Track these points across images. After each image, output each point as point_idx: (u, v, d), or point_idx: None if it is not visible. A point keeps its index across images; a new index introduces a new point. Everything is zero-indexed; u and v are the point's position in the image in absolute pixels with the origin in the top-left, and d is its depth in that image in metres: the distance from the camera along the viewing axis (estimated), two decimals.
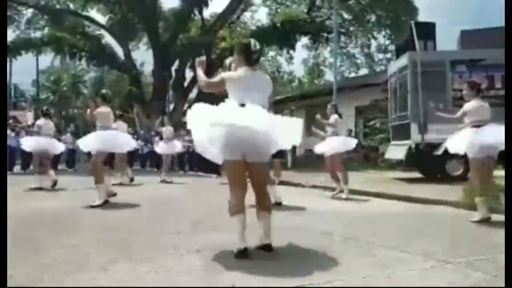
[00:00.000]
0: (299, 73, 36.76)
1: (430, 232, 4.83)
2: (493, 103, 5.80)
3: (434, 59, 10.59)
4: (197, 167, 16.38)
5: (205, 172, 14.68)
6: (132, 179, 10.68)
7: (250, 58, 3.75)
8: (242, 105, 3.54)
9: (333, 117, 8.11)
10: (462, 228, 5.11)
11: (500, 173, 5.58)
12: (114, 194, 6.96)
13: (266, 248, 3.58)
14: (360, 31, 25.39)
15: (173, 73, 25.48)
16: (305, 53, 29.04)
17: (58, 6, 24.92)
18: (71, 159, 17.97)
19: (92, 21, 25.32)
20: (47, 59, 32.52)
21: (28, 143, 9.69)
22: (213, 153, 3.73)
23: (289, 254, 3.60)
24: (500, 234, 3.78)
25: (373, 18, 24.93)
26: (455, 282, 2.91)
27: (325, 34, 24.36)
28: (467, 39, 11.21)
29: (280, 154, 10.67)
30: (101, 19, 25.58)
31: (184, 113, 24.23)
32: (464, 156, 5.93)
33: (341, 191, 8.00)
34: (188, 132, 19.23)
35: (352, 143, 8.32)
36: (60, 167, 16.38)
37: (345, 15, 25.07)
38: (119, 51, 25.54)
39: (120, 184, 10.01)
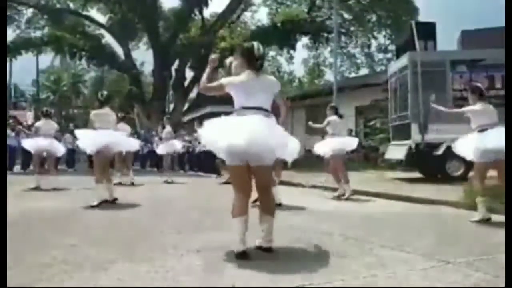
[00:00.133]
0: (299, 73, 36.84)
1: (431, 232, 4.82)
2: (493, 103, 5.79)
3: (435, 59, 10.58)
4: (197, 167, 16.39)
5: (205, 172, 14.69)
6: (132, 183, 10.61)
7: (253, 63, 3.67)
8: (245, 108, 3.56)
9: (327, 119, 8.10)
10: (462, 228, 5.11)
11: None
12: (115, 200, 6.90)
13: (267, 250, 3.58)
14: (360, 31, 25.38)
15: (173, 73, 25.48)
16: (305, 53, 29.08)
17: (58, 6, 24.91)
18: (71, 159, 17.97)
19: (92, 20, 25.29)
20: (47, 58, 32.60)
21: (28, 144, 9.70)
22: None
23: (289, 254, 3.60)
24: (500, 234, 3.78)
25: (373, 18, 24.92)
26: (456, 282, 2.91)
27: (325, 34, 24.35)
28: (468, 39, 11.22)
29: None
30: (101, 18, 25.60)
31: (184, 113, 24.36)
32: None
33: (343, 194, 7.98)
34: (188, 132, 19.31)
35: (353, 143, 8.31)
36: (60, 167, 16.38)
37: (346, 15, 25.05)
38: (119, 50, 25.54)
39: (120, 183, 10.00)
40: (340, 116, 8.26)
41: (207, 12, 25.98)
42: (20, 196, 7.46)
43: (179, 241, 4.01)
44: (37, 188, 8.94)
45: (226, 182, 10.23)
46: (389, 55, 23.96)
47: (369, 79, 19.19)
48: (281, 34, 23.20)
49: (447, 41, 12.96)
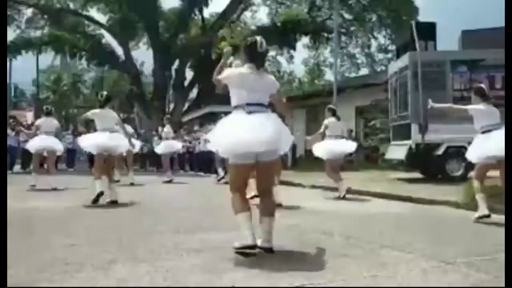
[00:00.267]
0: (300, 73, 36.80)
1: (431, 232, 4.82)
2: (493, 103, 5.79)
3: (435, 59, 10.58)
4: (197, 167, 16.39)
5: (205, 172, 14.69)
6: (132, 183, 10.60)
7: (255, 58, 3.68)
8: (248, 104, 3.55)
9: (325, 122, 8.15)
10: (462, 228, 5.11)
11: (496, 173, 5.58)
12: (114, 202, 6.90)
13: (267, 250, 3.57)
14: (360, 31, 25.36)
15: (173, 73, 25.48)
16: (305, 53, 29.05)
17: (58, 6, 24.90)
18: (71, 159, 17.98)
19: (92, 20, 25.28)
20: (47, 58, 32.47)
21: (29, 144, 9.70)
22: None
23: (289, 254, 3.60)
24: (500, 234, 3.77)
25: (373, 18, 24.90)
26: (456, 282, 2.90)
27: (325, 34, 24.36)
28: (468, 39, 11.19)
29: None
30: (101, 18, 25.58)
31: (184, 113, 24.36)
32: (465, 157, 5.94)
33: (347, 191, 8.05)
34: (188, 132, 19.32)
35: (351, 146, 8.34)
36: (60, 166, 16.39)
37: (346, 15, 25.04)
38: (119, 50, 25.53)
39: (117, 181, 10.00)
40: (338, 118, 8.29)
41: (207, 12, 26.06)
42: (20, 196, 7.46)
43: (179, 241, 4.00)
44: (34, 187, 8.94)
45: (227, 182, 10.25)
46: (389, 55, 23.93)
47: (370, 79, 19.20)
48: (281, 34, 23.21)
49: (447, 41, 12.91)
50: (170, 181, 11.63)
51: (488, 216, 5.28)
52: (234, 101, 3.66)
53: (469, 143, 5.86)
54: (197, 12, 25.04)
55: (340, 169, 8.42)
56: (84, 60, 25.64)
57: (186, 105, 26.75)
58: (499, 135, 5.20)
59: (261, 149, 3.46)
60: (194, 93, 27.29)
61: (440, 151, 10.06)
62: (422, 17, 22.18)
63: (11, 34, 23.99)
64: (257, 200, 3.91)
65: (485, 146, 5.37)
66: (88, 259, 3.32)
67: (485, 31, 10.97)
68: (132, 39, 26.56)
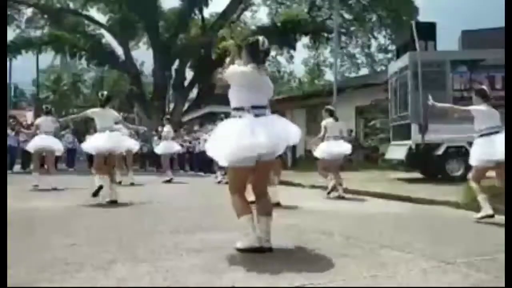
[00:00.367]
0: (300, 73, 36.77)
1: (431, 232, 4.82)
2: (494, 104, 5.79)
3: (435, 59, 10.58)
4: (197, 167, 16.39)
5: (205, 172, 14.69)
6: (132, 183, 10.61)
7: (257, 57, 3.68)
8: (257, 107, 3.56)
9: (323, 124, 8.23)
10: (462, 228, 5.12)
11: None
12: (114, 201, 6.91)
13: (266, 250, 3.58)
14: (360, 31, 25.34)
15: (173, 73, 25.47)
16: (305, 53, 29.03)
17: (58, 5, 24.88)
18: (71, 159, 17.99)
19: (92, 20, 25.27)
20: (47, 58, 32.45)
21: (29, 145, 9.71)
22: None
23: (289, 254, 3.60)
24: (500, 234, 3.78)
25: (373, 18, 24.89)
26: (456, 282, 2.91)
27: (325, 34, 24.34)
28: (468, 39, 11.19)
29: (279, 154, 10.66)
30: (101, 18, 25.55)
31: (184, 113, 24.35)
32: (465, 157, 5.95)
33: (343, 190, 8.12)
34: (188, 132, 19.32)
35: (347, 149, 8.43)
36: (59, 166, 16.39)
37: (346, 15, 25.03)
38: (119, 50, 25.51)
39: (119, 183, 10.00)
40: (336, 118, 8.33)
41: (207, 12, 26.02)
42: (20, 196, 7.46)
43: (179, 241, 4.00)
44: (36, 188, 8.95)
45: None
46: (389, 55, 23.91)
47: (370, 79, 19.19)
48: (281, 34, 23.20)
49: (447, 41, 12.91)
50: (170, 181, 11.63)
51: (492, 216, 5.27)
52: (236, 102, 3.64)
53: (469, 143, 5.87)
54: (197, 12, 25.02)
55: (339, 169, 8.44)
56: (84, 60, 25.62)
57: (186, 105, 26.73)
58: (499, 139, 5.24)
59: (263, 151, 3.48)
60: (194, 93, 27.27)
61: (440, 151, 10.06)
62: (422, 17, 22.18)
63: (11, 33, 24.01)
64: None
65: (485, 151, 5.38)
66: (88, 259, 3.32)
67: (485, 31, 10.97)
68: (132, 39, 26.55)
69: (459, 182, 8.18)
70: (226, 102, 3.85)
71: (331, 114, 8.36)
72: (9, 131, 13.97)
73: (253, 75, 3.63)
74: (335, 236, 4.37)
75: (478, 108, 5.60)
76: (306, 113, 21.65)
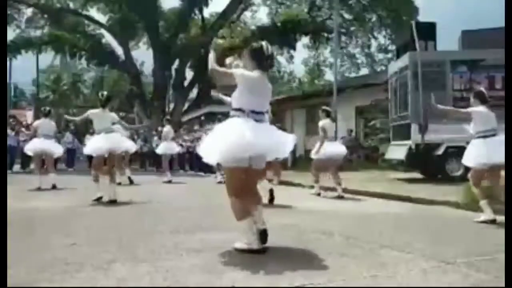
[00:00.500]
0: (300, 73, 36.77)
1: (431, 232, 4.83)
2: (493, 104, 5.79)
3: (435, 59, 10.58)
4: (197, 167, 16.38)
5: (205, 172, 14.69)
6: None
7: (263, 63, 3.66)
8: (256, 112, 3.57)
9: (321, 125, 8.32)
10: (462, 228, 5.12)
11: (500, 173, 5.57)
12: (113, 201, 6.92)
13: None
14: (360, 31, 25.34)
15: (173, 73, 25.46)
16: (305, 53, 29.02)
17: (58, 5, 24.87)
18: (71, 159, 17.99)
19: (92, 20, 25.26)
20: (47, 58, 32.45)
21: (28, 147, 9.70)
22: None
23: (289, 254, 3.60)
24: (500, 234, 3.78)
25: (373, 18, 24.88)
26: (456, 282, 2.91)
27: (325, 34, 24.34)
28: (468, 39, 11.19)
29: None
30: (101, 18, 25.54)
31: (184, 113, 24.30)
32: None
33: (342, 190, 8.21)
34: (188, 132, 19.31)
35: (343, 151, 8.59)
36: (59, 166, 16.38)
37: (346, 15, 25.03)
38: (119, 50, 25.50)
39: (119, 184, 10.00)
40: (333, 119, 8.41)
41: (207, 12, 26.01)
42: (20, 196, 7.46)
43: (179, 241, 4.00)
44: (38, 188, 8.94)
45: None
46: (389, 55, 23.91)
47: (370, 79, 19.18)
48: (281, 34, 23.21)
49: (447, 41, 12.91)
50: (169, 181, 11.63)
51: (494, 221, 5.26)
52: (237, 103, 3.63)
53: (469, 143, 5.86)
54: (197, 12, 25.02)
55: (338, 170, 8.52)
56: (84, 59, 25.61)
57: (186, 105, 26.73)
58: (496, 142, 5.29)
59: (254, 153, 3.52)
60: (194, 93, 27.26)
61: (440, 151, 10.07)
62: (422, 17, 22.18)
63: (11, 33, 24.01)
64: None
65: (482, 153, 5.40)
66: (88, 259, 3.32)
67: (485, 31, 10.96)
68: (132, 39, 26.55)
69: (459, 182, 8.18)
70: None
71: (328, 114, 8.45)
72: (9, 131, 13.97)
73: (259, 81, 3.62)
74: (335, 236, 4.37)
75: (477, 110, 5.61)
76: (306, 113, 21.65)
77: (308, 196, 8.41)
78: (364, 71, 26.40)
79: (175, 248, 3.71)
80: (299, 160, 16.63)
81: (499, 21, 6.16)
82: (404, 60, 10.86)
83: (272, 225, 3.71)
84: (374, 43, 25.94)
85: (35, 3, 24.18)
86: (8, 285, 2.58)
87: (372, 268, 3.19)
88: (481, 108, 5.60)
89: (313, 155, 8.52)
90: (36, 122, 9.99)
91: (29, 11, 25.71)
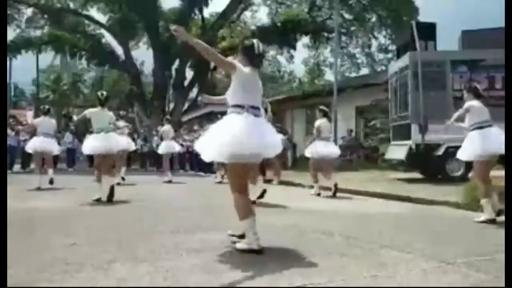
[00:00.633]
0: (300, 73, 36.73)
1: (431, 232, 4.82)
2: (494, 104, 5.80)
3: (435, 59, 10.58)
4: (197, 167, 16.39)
5: (206, 172, 14.69)
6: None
7: (254, 60, 3.74)
8: (254, 107, 3.63)
9: (316, 124, 8.52)
10: (462, 229, 5.11)
11: (500, 173, 5.57)
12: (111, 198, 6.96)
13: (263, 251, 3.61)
14: (360, 31, 25.32)
15: (174, 73, 25.46)
16: (305, 52, 28.98)
17: (58, 5, 24.86)
18: (71, 158, 17.99)
19: (92, 20, 25.25)
20: (47, 58, 32.48)
21: (28, 146, 9.70)
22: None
23: (289, 254, 3.60)
24: (500, 235, 3.78)
25: (374, 18, 24.87)
26: (456, 282, 2.91)
27: (325, 34, 24.32)
28: (468, 39, 11.18)
29: (279, 154, 10.77)
30: (101, 18, 25.53)
31: (184, 113, 24.30)
32: None
33: (334, 191, 8.31)
34: (189, 132, 19.30)
35: (336, 152, 8.82)
36: (59, 166, 16.40)
37: (346, 15, 25.00)
38: (119, 50, 25.51)
39: (118, 184, 10.01)
40: (330, 119, 8.53)
41: (207, 12, 26.00)
42: (20, 196, 7.46)
43: (179, 241, 4.00)
44: (38, 188, 8.94)
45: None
46: (389, 55, 23.87)
47: (370, 79, 19.18)
48: (282, 34, 23.19)
49: (447, 41, 12.91)
50: (170, 181, 11.63)
51: (493, 220, 5.27)
52: (237, 99, 3.65)
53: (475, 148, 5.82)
54: (197, 12, 25.01)
55: (331, 170, 8.69)
56: (84, 59, 25.62)
57: (186, 105, 26.73)
58: (490, 132, 5.37)
59: (261, 151, 3.62)
60: (194, 92, 27.25)
61: (440, 151, 10.06)
62: (422, 17, 22.14)
63: (11, 33, 23.99)
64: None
65: (475, 146, 5.43)
66: (88, 259, 3.32)
67: (485, 31, 10.96)
68: (132, 38, 26.55)
69: (459, 182, 8.19)
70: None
71: (325, 114, 8.59)
72: (9, 131, 13.97)
73: (252, 77, 3.72)
74: (335, 236, 4.37)
75: (472, 103, 5.63)
76: (306, 113, 21.65)
77: (308, 196, 8.41)
78: (364, 71, 26.38)
79: (175, 248, 3.71)
80: (299, 160, 16.63)
81: (499, 21, 6.17)
82: (405, 60, 10.86)
83: (272, 225, 3.71)
84: (374, 43, 25.91)
85: (35, 3, 24.18)
86: (8, 285, 2.58)
87: (372, 268, 3.19)
88: (476, 102, 5.62)
89: (306, 153, 8.77)
90: (36, 120, 9.99)
91: (29, 11, 25.72)
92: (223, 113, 3.83)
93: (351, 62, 26.77)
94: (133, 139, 14.79)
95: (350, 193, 8.59)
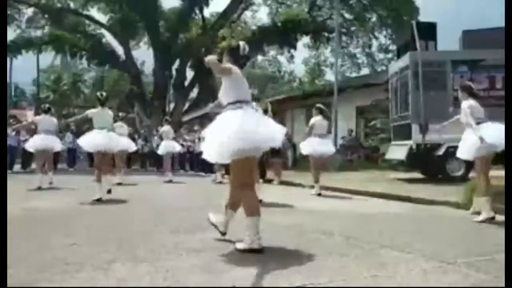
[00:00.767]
0: (300, 72, 36.73)
1: (431, 232, 4.82)
2: (494, 104, 5.80)
3: (436, 59, 10.57)
4: (197, 167, 16.39)
5: (206, 172, 14.69)
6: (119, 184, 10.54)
7: (239, 60, 3.90)
8: (249, 102, 3.78)
9: (311, 122, 8.72)
10: (462, 229, 5.11)
11: (500, 173, 5.57)
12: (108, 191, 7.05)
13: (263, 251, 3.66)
14: (361, 31, 25.31)
15: (174, 73, 25.45)
16: (306, 52, 28.98)
17: (58, 5, 24.85)
18: (71, 158, 17.99)
19: (93, 20, 25.25)
20: (48, 58, 32.48)
21: (29, 144, 9.68)
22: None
23: (289, 254, 3.60)
24: (500, 234, 3.77)
25: (374, 17, 24.86)
26: (456, 282, 2.91)
27: (326, 34, 24.30)
28: (469, 39, 11.17)
29: (279, 154, 10.82)
30: (102, 18, 25.52)
31: (185, 113, 24.27)
32: None
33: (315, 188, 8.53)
34: (189, 132, 19.30)
35: (331, 149, 8.97)
36: (60, 166, 16.41)
37: (346, 15, 25.00)
38: (119, 50, 25.49)
39: (119, 184, 10.00)
40: (326, 117, 8.77)
41: (207, 12, 25.97)
42: (20, 196, 7.46)
43: (179, 241, 4.01)
44: (38, 188, 8.94)
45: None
46: (390, 55, 23.87)
47: (370, 79, 19.16)
48: (282, 34, 23.18)
49: (448, 41, 12.91)
50: (170, 181, 11.64)
51: (493, 218, 5.27)
52: (237, 95, 3.76)
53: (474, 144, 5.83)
54: (197, 12, 24.99)
55: (322, 167, 8.79)
56: (84, 59, 25.61)
57: (187, 105, 26.72)
58: (487, 126, 5.42)
59: (266, 141, 3.75)
60: (194, 92, 27.25)
61: (440, 151, 10.05)
62: (422, 17, 22.13)
63: (12, 33, 23.99)
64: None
65: (473, 142, 5.45)
66: (88, 259, 3.32)
67: (486, 31, 10.95)
68: (133, 38, 26.53)
69: (459, 182, 8.18)
70: None
71: (321, 112, 8.72)
72: (9, 130, 13.96)
73: (243, 75, 3.88)
74: (335, 236, 4.37)
75: (469, 102, 5.66)
76: (307, 112, 21.62)
77: (309, 196, 8.41)
78: (364, 71, 26.37)
79: (175, 248, 3.71)
80: (300, 160, 16.63)
81: (500, 21, 6.16)
82: (405, 60, 10.85)
83: (273, 225, 3.71)
84: (374, 43, 25.91)
85: (36, 3, 24.18)
86: (8, 285, 2.58)
87: (372, 268, 3.19)
88: (473, 102, 5.66)
89: (302, 151, 8.91)
90: (37, 118, 9.97)
91: (29, 11, 25.71)
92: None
93: (351, 62, 26.78)
94: (134, 139, 14.78)
95: (351, 193, 8.59)
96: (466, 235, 4.71)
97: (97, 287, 2.75)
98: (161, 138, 13.04)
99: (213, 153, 3.75)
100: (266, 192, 7.12)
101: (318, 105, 9.02)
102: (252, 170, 3.88)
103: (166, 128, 12.46)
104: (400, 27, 19.26)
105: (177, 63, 25.32)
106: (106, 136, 7.24)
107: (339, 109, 16.13)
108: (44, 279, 2.86)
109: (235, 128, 3.55)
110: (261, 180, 6.93)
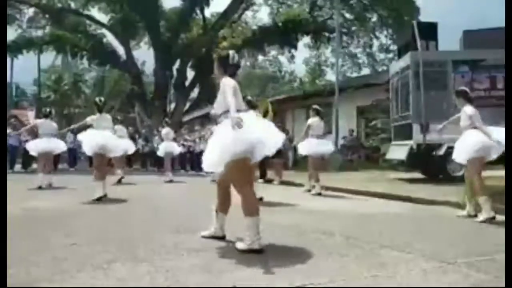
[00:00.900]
0: (301, 72, 36.71)
1: (431, 232, 4.82)
2: (495, 103, 5.81)
3: (436, 59, 10.56)
4: (198, 167, 16.38)
5: (206, 172, 14.69)
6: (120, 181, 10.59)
7: (228, 69, 3.91)
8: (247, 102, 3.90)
9: (308, 122, 8.84)
10: (462, 229, 5.11)
11: (500, 173, 5.56)
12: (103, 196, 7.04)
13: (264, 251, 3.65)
14: (362, 31, 25.30)
15: (175, 73, 25.46)
16: (306, 52, 28.96)
17: (59, 5, 24.86)
18: (72, 158, 18.00)
19: (94, 20, 25.26)
20: (49, 58, 32.49)
21: (29, 147, 9.70)
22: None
23: (289, 254, 3.60)
24: (500, 234, 3.77)
25: (375, 17, 24.85)
26: (456, 282, 2.90)
27: (326, 34, 24.30)
28: (470, 39, 11.16)
29: (280, 154, 10.84)
30: (103, 18, 25.53)
31: (185, 113, 24.30)
32: None
33: (314, 187, 8.60)
34: (190, 132, 19.30)
35: (330, 148, 9.13)
36: (61, 166, 16.42)
37: (347, 15, 24.99)
38: (120, 50, 25.49)
39: (119, 181, 10.02)
40: (322, 118, 8.88)
41: (208, 12, 25.96)
42: (20, 196, 7.47)
43: (179, 241, 4.01)
44: (39, 187, 8.95)
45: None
46: (390, 55, 23.84)
47: (371, 79, 19.16)
48: (283, 34, 23.19)
49: (448, 41, 12.90)
50: (171, 181, 11.64)
51: (493, 218, 5.27)
52: (236, 106, 3.68)
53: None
54: (198, 12, 24.98)
55: (319, 168, 8.86)
56: (85, 59, 25.62)
57: (187, 105, 26.72)
58: (494, 129, 5.44)
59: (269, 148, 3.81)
60: (195, 92, 27.24)
61: (441, 151, 10.03)
62: (423, 17, 22.12)
63: (13, 33, 23.99)
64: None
65: (468, 143, 5.48)
66: (88, 259, 3.32)
67: (487, 31, 10.94)
68: (133, 38, 26.53)
69: (460, 182, 8.16)
70: None
71: (317, 113, 8.85)
72: (9, 130, 13.97)
73: (237, 87, 3.88)
74: (335, 236, 4.37)
75: (471, 108, 5.71)
76: (307, 113, 21.61)
77: (309, 196, 8.41)
78: (365, 71, 26.35)
79: (175, 248, 3.71)
80: (300, 160, 16.63)
81: (500, 21, 6.15)
82: (406, 60, 10.85)
83: (273, 225, 3.71)
84: (375, 43, 25.90)
85: (37, 3, 24.19)
86: (8, 285, 2.58)
87: (372, 268, 3.19)
88: (471, 108, 5.71)
89: (300, 151, 9.03)
90: (38, 121, 10.01)
91: (30, 11, 25.72)
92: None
93: (352, 62, 26.76)
94: (134, 139, 14.80)
95: (351, 193, 8.59)
96: (466, 235, 4.70)
97: (97, 287, 2.75)
98: (161, 139, 13.05)
99: (215, 157, 3.74)
100: (266, 192, 7.13)
101: (315, 106, 9.17)
102: (251, 170, 3.88)
103: (166, 130, 12.48)
104: (401, 27, 19.26)
105: (177, 63, 25.32)
106: (105, 137, 7.24)
107: (340, 109, 16.13)
108: (44, 279, 2.86)
109: (235, 132, 3.54)
110: (261, 180, 6.97)
